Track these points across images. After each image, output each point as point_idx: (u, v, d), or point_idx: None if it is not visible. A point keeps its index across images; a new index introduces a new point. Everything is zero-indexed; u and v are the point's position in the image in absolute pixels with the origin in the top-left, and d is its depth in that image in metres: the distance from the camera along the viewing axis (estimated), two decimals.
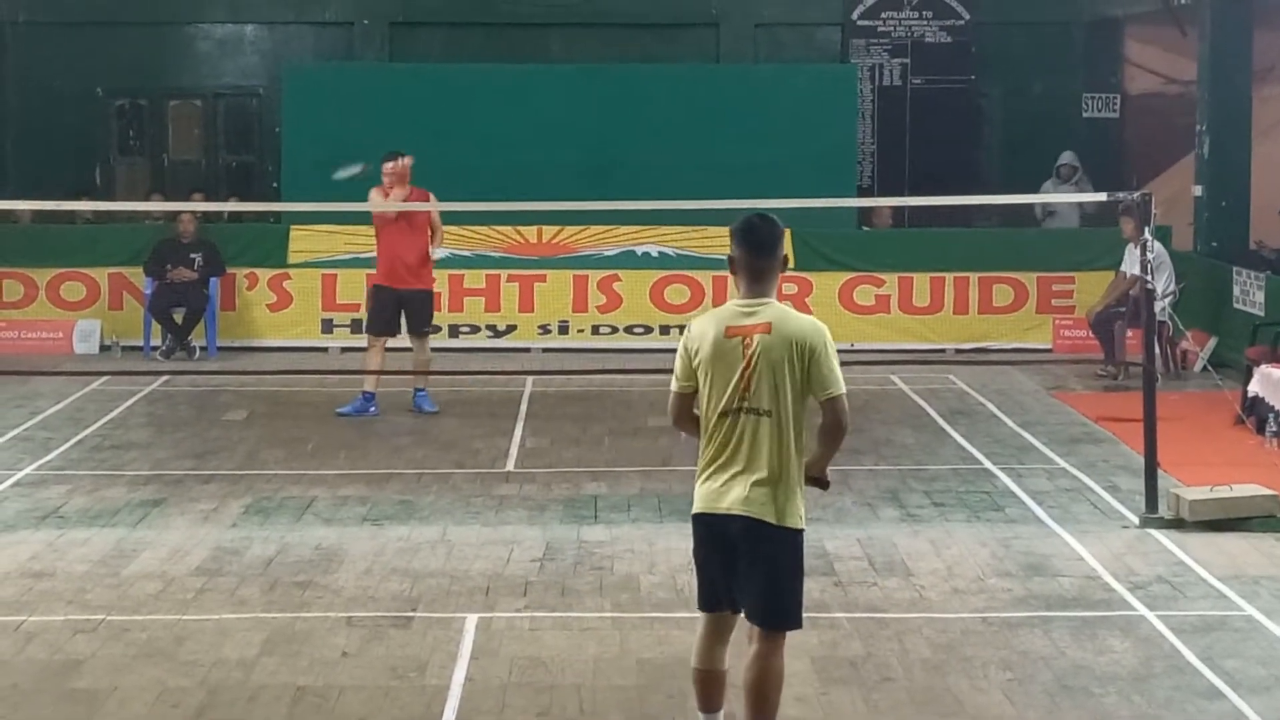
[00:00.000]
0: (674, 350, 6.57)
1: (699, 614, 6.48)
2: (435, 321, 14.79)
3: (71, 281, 17.81)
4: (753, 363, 6.20)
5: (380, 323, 14.15)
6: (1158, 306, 13.73)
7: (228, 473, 11.84)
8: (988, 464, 12.13)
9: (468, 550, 9.68)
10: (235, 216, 19.36)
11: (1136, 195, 11.13)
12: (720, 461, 6.27)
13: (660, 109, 18.84)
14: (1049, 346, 17.65)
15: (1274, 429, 12.54)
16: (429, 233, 14.12)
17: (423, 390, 14.15)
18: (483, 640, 8.05)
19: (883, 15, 21.53)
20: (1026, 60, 21.74)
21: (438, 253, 14.61)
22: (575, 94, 18.97)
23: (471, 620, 8.34)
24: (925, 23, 21.49)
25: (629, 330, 17.86)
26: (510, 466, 12.17)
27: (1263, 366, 13.12)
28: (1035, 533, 10.13)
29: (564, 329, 17.88)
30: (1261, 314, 15.54)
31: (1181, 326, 15.36)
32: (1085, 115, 21.70)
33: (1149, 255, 10.63)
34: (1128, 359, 15.46)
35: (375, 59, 21.40)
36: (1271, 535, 9.90)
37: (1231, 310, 16.37)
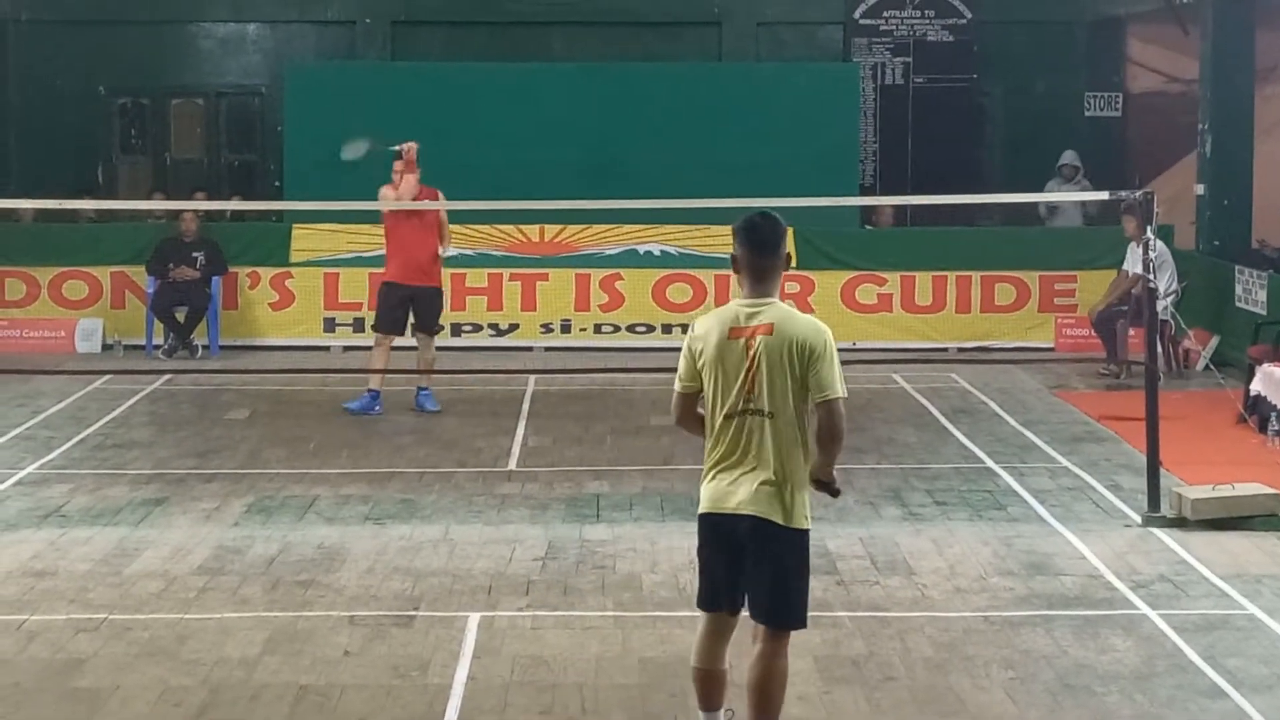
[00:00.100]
0: (676, 349, 6.57)
1: (700, 613, 6.49)
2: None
3: (74, 280, 17.82)
4: (755, 364, 6.20)
5: (389, 321, 14.15)
6: (1160, 305, 13.71)
7: (230, 472, 11.84)
8: (990, 463, 12.13)
9: (470, 549, 9.68)
10: (237, 215, 19.37)
11: (1139, 194, 11.14)
12: (727, 462, 6.28)
13: (662, 108, 18.83)
14: (1051, 345, 17.64)
15: (1276, 428, 12.54)
16: (439, 231, 14.14)
17: (426, 389, 14.16)
18: (485, 639, 8.05)
19: (885, 14, 21.53)
20: (1029, 59, 21.75)
21: (448, 251, 14.63)
22: (577, 93, 18.96)
23: (474, 619, 8.34)
24: (927, 22, 21.48)
25: (631, 329, 17.86)
26: (512, 465, 12.17)
27: (1265, 365, 13.12)
28: (1037, 531, 10.13)
29: (566, 328, 17.88)
30: (1264, 313, 15.53)
31: (1184, 325, 15.37)
32: (1087, 114, 21.69)
33: (1151, 254, 10.63)
34: (1130, 358, 15.46)
35: (377, 58, 21.40)
36: (1273, 534, 9.90)
37: (1234, 309, 16.36)
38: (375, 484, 11.43)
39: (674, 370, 6.54)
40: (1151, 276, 10.79)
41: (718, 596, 6.37)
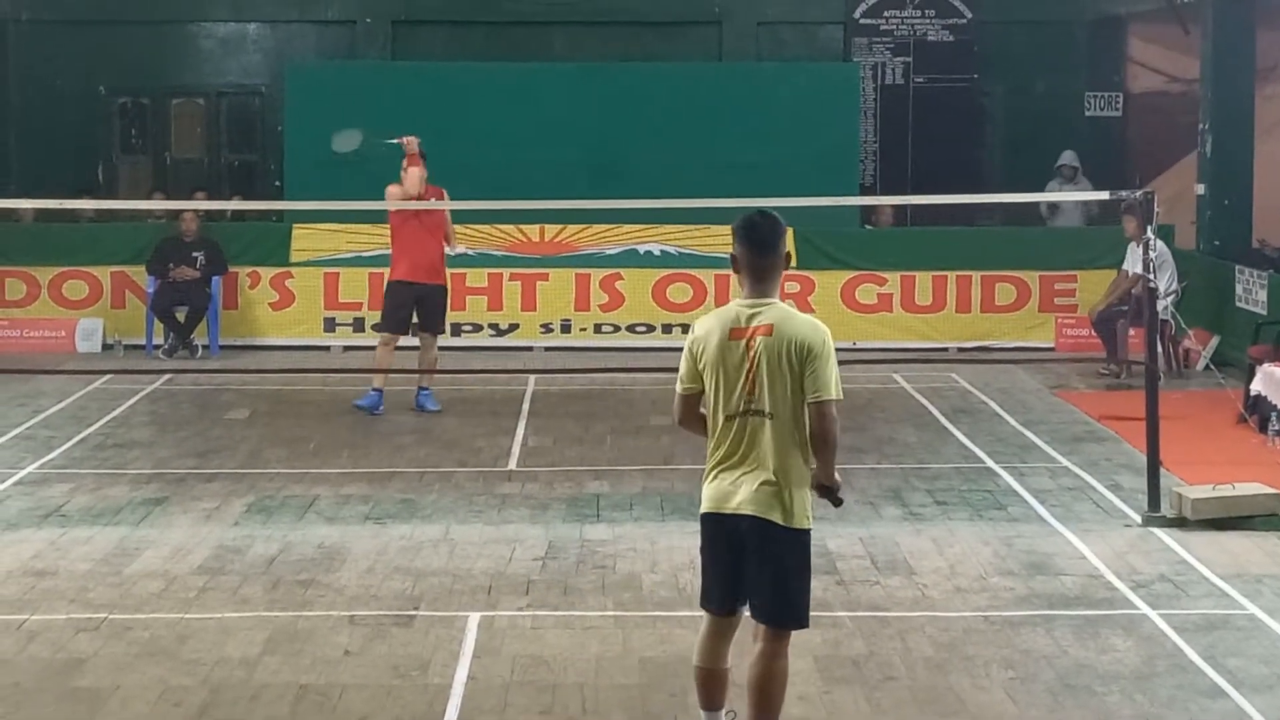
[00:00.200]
0: (676, 349, 6.56)
1: (701, 612, 6.49)
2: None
3: (74, 280, 17.82)
4: (755, 365, 6.20)
5: (394, 320, 14.14)
6: (1160, 305, 13.71)
7: (230, 471, 11.84)
8: (990, 463, 12.13)
9: (470, 549, 9.68)
10: (238, 215, 19.37)
11: (1139, 194, 11.13)
12: (728, 462, 6.27)
13: (662, 107, 18.83)
14: (1051, 345, 17.64)
15: (1276, 428, 12.53)
16: (444, 229, 14.16)
17: (426, 389, 14.15)
18: (485, 639, 8.05)
19: (885, 14, 21.53)
20: (1029, 59, 21.74)
21: (456, 249, 14.64)
22: (578, 92, 18.96)
23: (474, 619, 8.34)
24: (928, 21, 21.48)
25: (631, 329, 17.86)
26: (512, 465, 12.17)
27: (1265, 365, 13.12)
28: (1038, 531, 10.13)
29: (566, 328, 17.89)
30: (1264, 313, 15.53)
31: (1184, 325, 15.37)
32: (1088, 114, 21.69)
33: (1151, 254, 10.63)
34: (1130, 358, 15.46)
35: (378, 57, 21.40)
36: (1274, 534, 9.90)
37: (1234, 309, 16.36)
38: (375, 484, 11.43)
39: (674, 370, 6.54)
40: (1152, 276, 10.78)
41: (719, 596, 6.37)
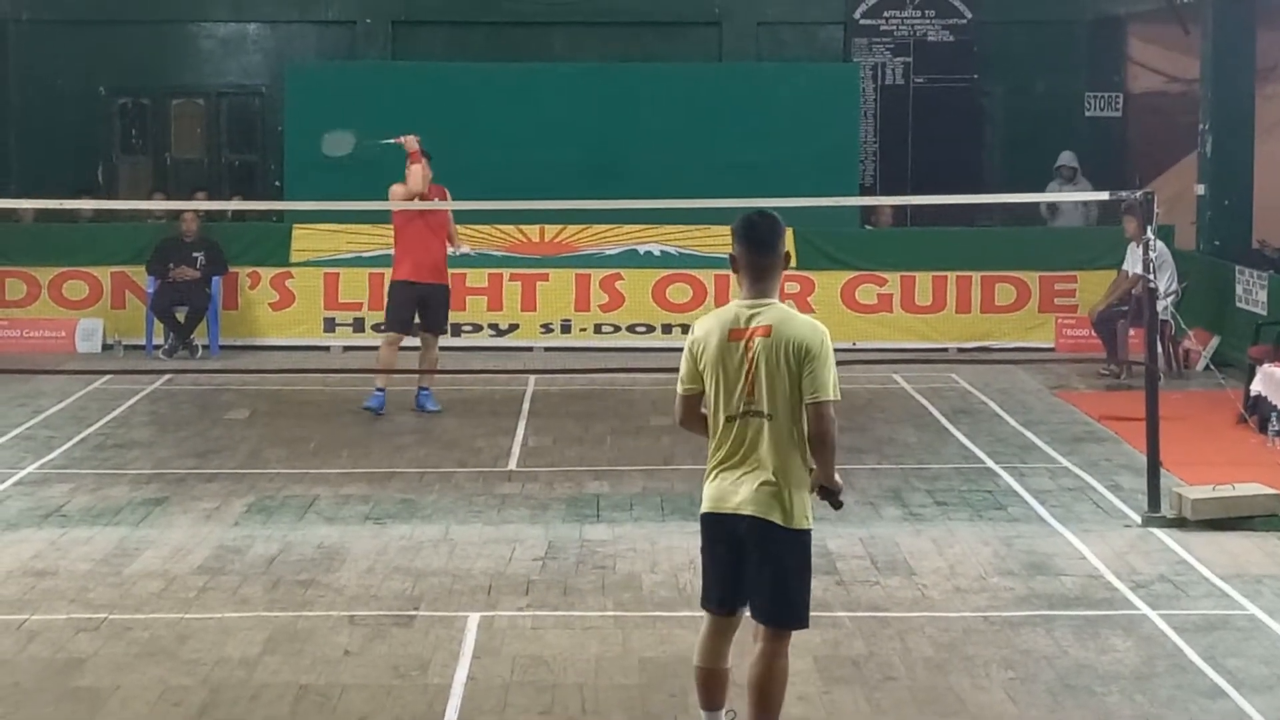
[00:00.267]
0: (676, 349, 6.57)
1: (701, 612, 6.49)
2: None
3: (74, 280, 17.82)
4: (754, 366, 6.20)
5: (399, 320, 14.12)
6: (1160, 305, 13.71)
7: (230, 471, 11.84)
8: (990, 463, 12.13)
9: (470, 549, 9.68)
10: (238, 215, 19.36)
11: (1139, 194, 11.14)
12: (729, 462, 6.27)
13: (662, 108, 18.83)
14: (1051, 345, 17.64)
15: (1276, 428, 12.54)
16: (447, 229, 14.17)
17: (426, 389, 14.15)
18: (485, 639, 8.05)
19: (885, 14, 21.53)
20: (1029, 59, 21.73)
21: (462, 249, 14.64)
22: (578, 93, 18.96)
23: (474, 619, 8.34)
24: (928, 22, 21.48)
25: (631, 329, 17.86)
26: (512, 465, 12.17)
27: (1265, 366, 13.12)
28: (1037, 532, 10.13)
29: (566, 328, 17.89)
30: (1264, 313, 15.53)
31: (1184, 325, 15.37)
32: (1088, 114, 21.68)
33: (1151, 254, 10.63)
34: (1130, 358, 15.46)
35: (378, 58, 21.39)
36: (1274, 534, 9.90)
37: (1234, 309, 16.37)
38: (375, 484, 11.43)
39: (674, 370, 6.54)
40: (1152, 277, 10.79)
41: (719, 596, 6.37)
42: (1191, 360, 16.29)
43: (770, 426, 6.19)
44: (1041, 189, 19.59)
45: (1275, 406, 12.62)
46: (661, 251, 17.95)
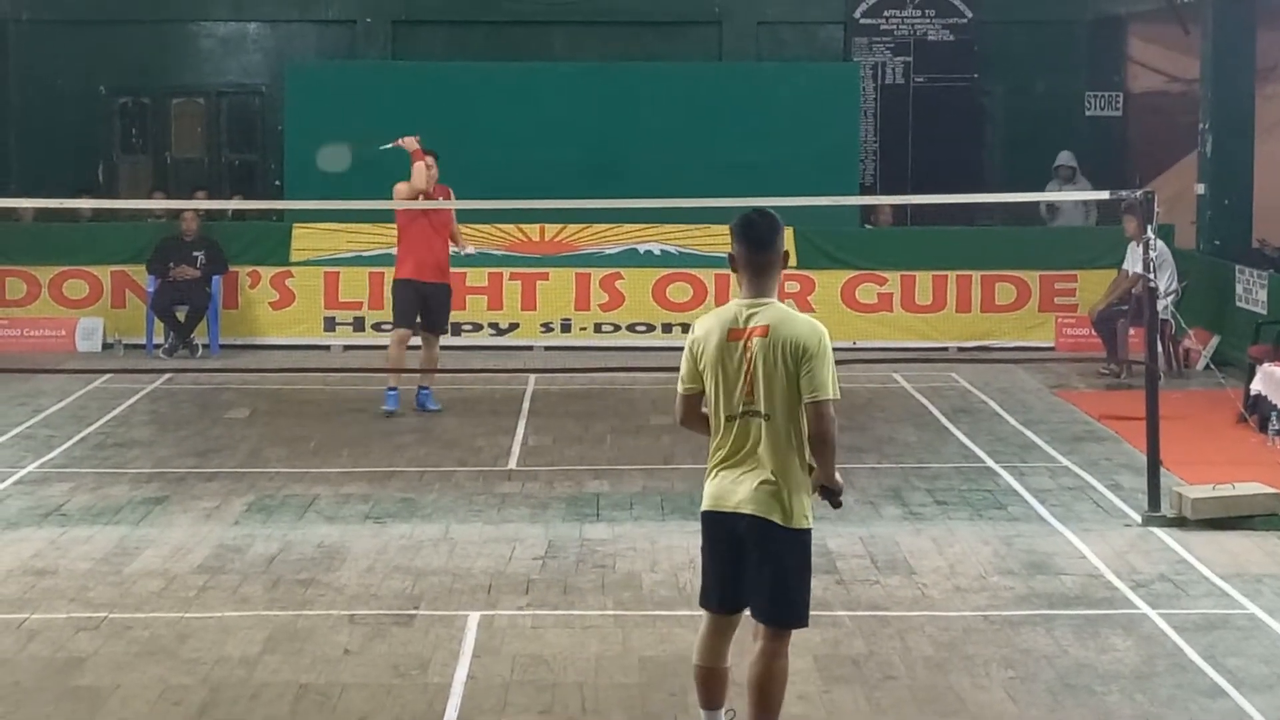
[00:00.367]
0: (676, 348, 6.57)
1: (701, 611, 6.49)
2: None
3: (74, 279, 17.83)
4: (751, 366, 6.20)
5: (406, 317, 14.07)
6: (1160, 305, 13.73)
7: (230, 470, 11.85)
8: (990, 462, 12.13)
9: (470, 548, 9.68)
10: (238, 215, 19.36)
11: (1139, 193, 11.14)
12: (729, 461, 6.27)
13: (663, 107, 18.83)
14: (1051, 345, 17.64)
15: (1276, 427, 12.54)
16: (450, 228, 14.16)
17: (426, 388, 14.15)
18: (485, 638, 8.05)
19: (885, 13, 21.53)
20: (1029, 58, 21.73)
21: (467, 249, 14.63)
22: (578, 92, 18.96)
23: (474, 618, 8.34)
24: (928, 21, 21.48)
25: (631, 328, 17.87)
26: (512, 464, 12.17)
27: (1265, 365, 13.12)
28: (1038, 531, 10.13)
29: (566, 327, 17.89)
30: (1264, 312, 15.53)
31: (1184, 325, 15.38)
32: (1088, 114, 21.68)
33: (1151, 253, 10.63)
34: (1130, 357, 15.46)
35: (378, 57, 21.40)
36: (1274, 533, 9.90)
37: (1234, 309, 16.37)
38: (375, 483, 11.43)
39: (674, 369, 6.54)
40: (1152, 276, 10.79)
41: (719, 595, 6.37)
42: (1192, 359, 16.29)
43: (768, 426, 6.19)
44: (1042, 188, 19.58)
45: (1275, 406, 12.62)
46: (661, 251, 17.95)
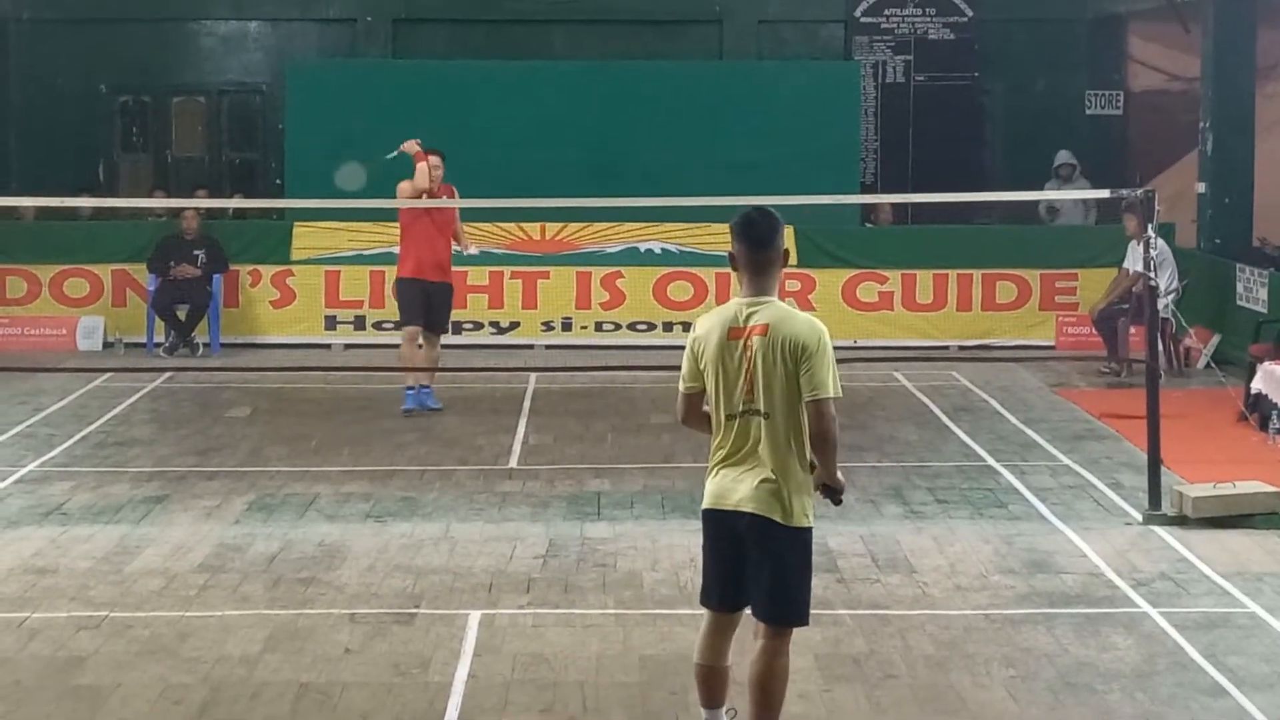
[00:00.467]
0: (677, 347, 6.57)
1: (701, 610, 6.49)
2: None
3: (75, 278, 17.83)
4: (751, 365, 6.20)
5: (413, 315, 13.99)
6: (1161, 303, 13.74)
7: (231, 469, 11.85)
8: (991, 461, 12.13)
9: (471, 547, 9.68)
10: (239, 213, 19.36)
11: (1140, 192, 11.14)
12: (730, 460, 6.27)
13: (663, 106, 18.83)
14: (1052, 343, 17.63)
15: (1277, 426, 12.53)
16: (454, 227, 14.15)
17: (427, 387, 14.14)
18: (485, 637, 8.05)
19: (886, 12, 21.53)
20: (1029, 57, 21.73)
21: (470, 249, 14.62)
22: (579, 91, 18.96)
23: (474, 617, 8.34)
24: (928, 20, 21.49)
25: (632, 327, 17.87)
26: (513, 463, 12.17)
27: (1266, 363, 13.12)
28: (1038, 529, 10.13)
29: (567, 326, 17.90)
30: (1265, 311, 15.53)
31: (1185, 323, 15.39)
32: (1088, 112, 21.68)
33: (1152, 252, 10.63)
34: (1131, 356, 15.45)
35: (379, 56, 21.40)
36: (1275, 532, 9.90)
37: (1234, 307, 16.37)
38: (376, 482, 11.43)
39: (675, 368, 6.54)
40: (1152, 274, 10.79)
41: (720, 593, 6.37)
42: (1192, 358, 16.29)
43: (768, 425, 6.19)
44: (1041, 188, 19.58)
45: (1275, 404, 12.62)
46: (662, 249, 17.95)
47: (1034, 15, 21.57)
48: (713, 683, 6.44)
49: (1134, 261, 15.33)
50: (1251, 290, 16.05)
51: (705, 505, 6.37)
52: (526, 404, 14.50)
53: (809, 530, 6.26)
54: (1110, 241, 17.04)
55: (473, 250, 15.06)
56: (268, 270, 17.86)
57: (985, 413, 14.07)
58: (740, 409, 6.23)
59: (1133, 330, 15.71)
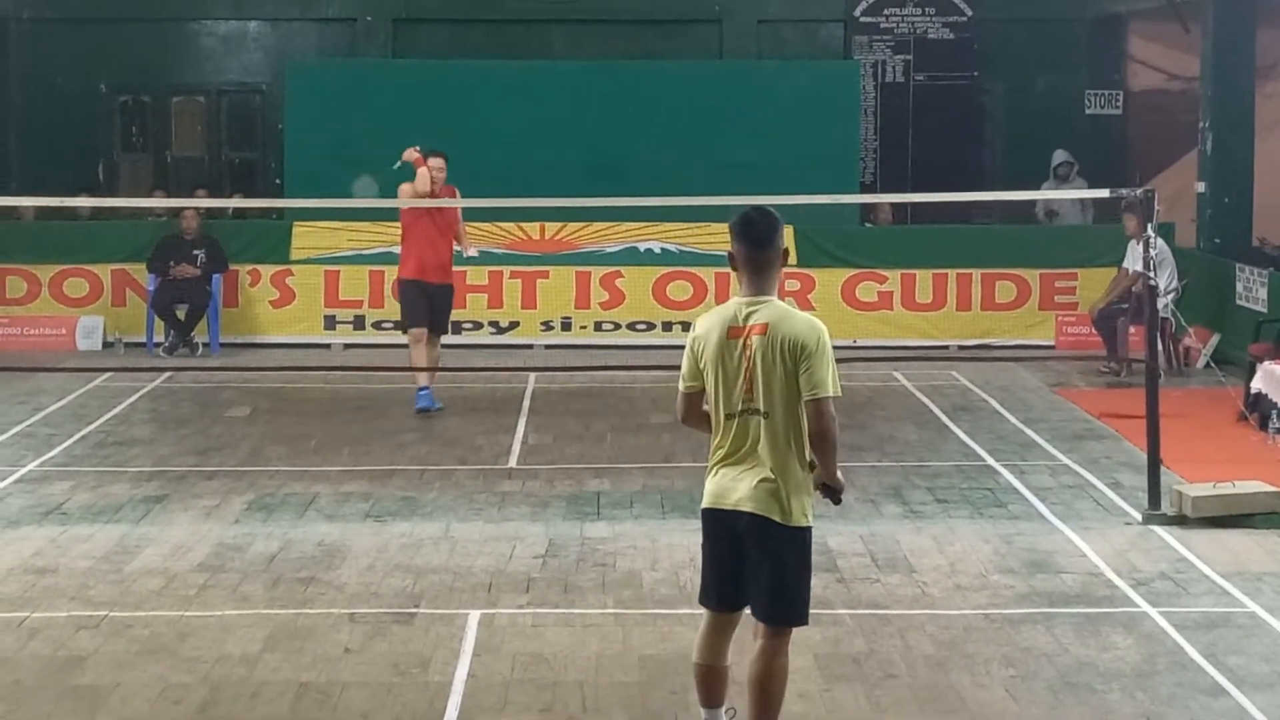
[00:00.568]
0: (677, 347, 6.57)
1: (701, 610, 6.49)
2: None
3: (74, 278, 17.82)
4: (751, 364, 6.20)
5: (417, 316, 13.96)
6: (1160, 303, 13.74)
7: (230, 469, 11.85)
8: (990, 460, 12.13)
9: (470, 546, 9.68)
10: (238, 213, 19.35)
11: (1139, 192, 11.14)
12: (730, 459, 6.27)
13: (663, 106, 18.83)
14: (1052, 343, 17.63)
15: (1277, 425, 12.53)
16: (456, 228, 14.14)
17: (427, 387, 14.13)
18: (485, 636, 8.05)
19: (885, 12, 21.54)
20: (1029, 57, 21.74)
21: (470, 250, 14.62)
22: (578, 91, 18.96)
23: (474, 616, 8.34)
24: (928, 19, 21.49)
25: (631, 327, 17.86)
26: (513, 463, 12.17)
27: (1265, 363, 13.12)
28: (1038, 529, 10.13)
29: (566, 325, 17.89)
30: (1264, 310, 15.53)
31: (1184, 323, 15.38)
32: (1088, 112, 21.68)
33: (1151, 252, 10.63)
34: (1130, 355, 15.45)
35: (378, 55, 21.40)
36: (1274, 532, 9.90)
37: (1234, 307, 16.36)
38: (376, 481, 11.43)
39: (674, 368, 6.54)
40: (1152, 274, 10.79)
41: (719, 592, 6.37)
42: (1192, 358, 16.29)
43: (768, 424, 6.19)
44: (1040, 187, 19.58)
45: (1275, 404, 12.62)
46: (662, 249, 17.95)
47: (1034, 15, 21.57)
48: (712, 682, 6.44)
49: (1134, 261, 15.33)
50: (1251, 290, 16.05)
51: (704, 504, 6.37)
52: (526, 404, 14.50)
53: (808, 530, 6.26)
54: (1110, 241, 17.04)
55: (472, 252, 15.06)
56: (267, 270, 17.85)
57: (985, 412, 14.07)
58: (740, 408, 6.23)
59: (1132, 330, 15.71)
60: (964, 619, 8.34)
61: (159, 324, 17.40)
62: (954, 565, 9.31)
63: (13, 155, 21.50)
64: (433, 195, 13.78)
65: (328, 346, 17.57)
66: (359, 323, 17.69)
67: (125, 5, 21.37)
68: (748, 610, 6.37)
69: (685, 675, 6.92)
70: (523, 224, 17.83)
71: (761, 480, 6.19)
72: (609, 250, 17.97)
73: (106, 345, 17.60)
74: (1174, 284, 15.65)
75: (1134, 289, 15.46)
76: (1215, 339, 16.36)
